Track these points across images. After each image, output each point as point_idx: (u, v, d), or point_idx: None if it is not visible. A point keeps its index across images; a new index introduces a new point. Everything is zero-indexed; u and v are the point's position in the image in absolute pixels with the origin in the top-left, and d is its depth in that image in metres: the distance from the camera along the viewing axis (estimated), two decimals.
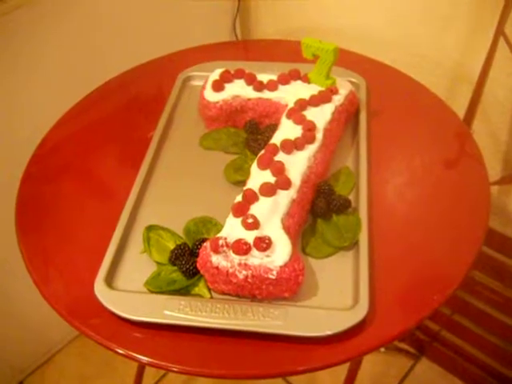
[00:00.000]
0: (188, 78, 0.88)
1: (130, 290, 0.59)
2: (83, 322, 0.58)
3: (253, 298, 0.57)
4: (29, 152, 0.78)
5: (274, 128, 0.72)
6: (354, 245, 0.62)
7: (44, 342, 1.37)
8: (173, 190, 0.71)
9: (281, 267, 0.54)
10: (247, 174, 0.66)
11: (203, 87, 0.78)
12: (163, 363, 0.54)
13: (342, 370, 1.02)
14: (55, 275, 0.63)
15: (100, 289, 0.58)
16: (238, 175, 0.69)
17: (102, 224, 0.66)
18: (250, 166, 0.66)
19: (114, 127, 0.83)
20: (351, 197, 0.66)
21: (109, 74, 0.91)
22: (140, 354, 0.55)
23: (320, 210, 0.63)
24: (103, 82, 0.90)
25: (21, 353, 1.33)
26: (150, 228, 0.64)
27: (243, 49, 1.03)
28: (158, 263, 0.61)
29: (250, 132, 0.75)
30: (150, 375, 1.29)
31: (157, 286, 0.58)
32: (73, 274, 0.63)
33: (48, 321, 1.31)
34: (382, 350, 1.33)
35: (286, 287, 0.56)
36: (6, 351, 1.28)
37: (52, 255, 0.65)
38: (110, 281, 0.60)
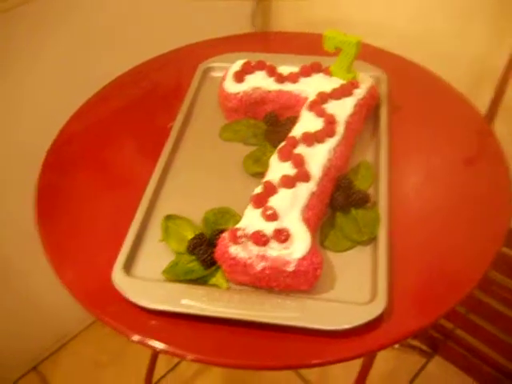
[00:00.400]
0: (208, 69, 0.88)
1: (147, 279, 0.59)
2: (100, 308, 0.59)
3: (270, 289, 0.57)
4: (48, 142, 0.79)
5: (293, 120, 0.71)
6: (373, 239, 0.61)
7: (58, 329, 1.38)
8: (191, 180, 0.71)
9: (299, 260, 0.54)
10: (266, 165, 0.65)
11: (223, 78, 0.78)
12: (178, 351, 0.55)
13: (355, 365, 1.02)
14: (73, 262, 0.64)
15: (118, 276, 0.58)
16: (256, 167, 0.69)
17: (120, 213, 0.66)
18: (269, 157, 0.66)
19: (133, 118, 0.83)
20: (370, 191, 0.66)
21: (127, 65, 0.91)
22: (155, 341, 0.55)
23: (339, 203, 0.63)
24: (121, 72, 0.90)
25: (35, 339, 1.34)
26: (168, 217, 0.64)
27: (263, 41, 1.02)
28: (176, 252, 0.61)
29: (270, 124, 0.74)
30: (162, 365, 1.29)
31: (174, 275, 0.58)
32: (91, 261, 0.63)
33: (63, 308, 1.32)
34: (396, 346, 1.32)
35: (304, 280, 0.55)
36: (20, 337, 1.29)
37: (71, 243, 0.66)
38: (127, 269, 0.60)
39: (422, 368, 1.30)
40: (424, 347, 1.32)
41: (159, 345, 0.55)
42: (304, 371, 1.31)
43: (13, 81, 0.97)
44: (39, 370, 1.36)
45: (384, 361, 1.31)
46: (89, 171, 0.75)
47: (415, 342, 1.33)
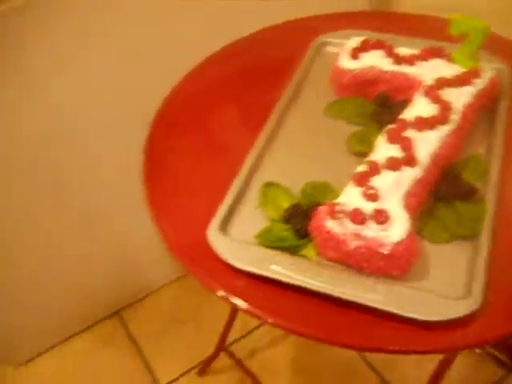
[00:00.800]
0: (323, 44, 0.87)
1: (240, 240, 0.60)
2: (192, 262, 0.61)
3: (360, 269, 0.57)
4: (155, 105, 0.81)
5: (405, 104, 0.69)
6: (474, 235, 0.59)
7: (143, 280, 1.45)
8: (293, 152, 0.71)
9: (395, 244, 0.53)
10: (371, 145, 0.64)
11: (339, 54, 0.77)
12: (260, 312, 0.56)
13: (429, 363, 1.00)
14: (172, 217, 0.66)
15: (213, 234, 0.60)
16: (361, 146, 0.68)
17: (220, 176, 0.68)
18: (375, 138, 0.65)
19: (242, 85, 0.84)
20: (478, 185, 0.63)
21: (239, 33, 0.92)
22: (240, 300, 0.56)
23: (444, 193, 0.61)
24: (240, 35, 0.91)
25: (121, 285, 1.41)
26: (268, 185, 0.65)
27: (381, 20, 0.99)
28: (271, 220, 0.62)
29: (381, 104, 0.73)
30: (237, 330, 1.32)
31: (267, 241, 0.59)
32: (189, 218, 0.65)
33: (151, 260, 1.38)
34: (478, 350, 1.27)
35: (397, 265, 0.54)
36: (108, 280, 1.36)
37: (172, 199, 0.68)
38: (222, 228, 0.61)
39: (501, 380, 1.24)
40: (504, 358, 1.26)
41: (243, 304, 0.56)
42: (374, 361, 1.30)
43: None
44: (121, 316, 1.43)
45: (459, 365, 1.26)
46: (193, 134, 0.77)
47: (495, 351, 1.28)
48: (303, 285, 0.55)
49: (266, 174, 0.68)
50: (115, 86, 1.06)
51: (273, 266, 0.57)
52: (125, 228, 1.29)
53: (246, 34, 0.92)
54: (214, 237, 0.60)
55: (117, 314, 1.44)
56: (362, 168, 0.60)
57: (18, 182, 1.06)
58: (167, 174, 0.72)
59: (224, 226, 0.62)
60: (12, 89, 0.95)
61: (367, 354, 1.31)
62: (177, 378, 1.31)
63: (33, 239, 1.16)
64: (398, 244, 0.53)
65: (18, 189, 1.07)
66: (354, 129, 0.73)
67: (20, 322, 1.28)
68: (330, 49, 0.86)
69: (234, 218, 0.63)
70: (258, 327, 1.37)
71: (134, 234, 1.30)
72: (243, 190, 0.66)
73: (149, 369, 1.33)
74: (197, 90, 0.84)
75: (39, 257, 1.20)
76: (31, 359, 1.36)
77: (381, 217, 0.54)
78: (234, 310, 1.16)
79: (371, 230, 0.54)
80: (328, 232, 0.55)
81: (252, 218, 0.63)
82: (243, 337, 1.35)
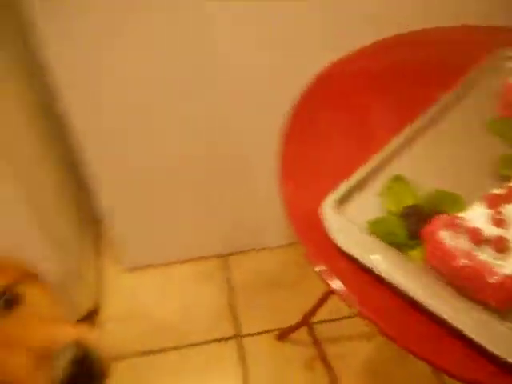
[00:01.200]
0: (502, 58, 0.82)
1: (351, 221, 0.61)
2: (302, 230, 0.63)
3: (458, 288, 0.55)
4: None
5: None
6: None
7: (259, 235, 1.49)
8: (435, 155, 0.70)
9: (506, 276, 0.51)
10: None
11: None
12: (350, 297, 0.56)
13: None
14: (297, 183, 0.68)
15: (327, 209, 0.61)
16: (508, 170, 0.65)
17: (354, 156, 0.68)
18: None
19: (403, 76, 0.83)
20: None
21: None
22: (334, 279, 0.57)
23: None
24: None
25: (239, 232, 1.47)
26: (397, 178, 0.65)
27: None
28: (388, 211, 0.62)
29: None
30: (327, 311, 1.33)
31: (377, 230, 0.59)
32: (312, 187, 0.67)
33: (272, 219, 1.41)
34: None
35: (498, 297, 0.52)
36: (229, 224, 1.43)
37: (301, 165, 0.70)
38: (338, 206, 0.62)
39: None
40: None
41: (335, 284, 0.57)
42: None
43: None
44: (227, 260, 1.50)
45: None
46: (340, 111, 0.78)
47: None
48: (399, 286, 0.55)
49: (398, 167, 0.67)
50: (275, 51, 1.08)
51: (375, 257, 0.57)
52: (259, 182, 1.33)
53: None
54: (327, 212, 0.61)
55: (225, 257, 1.51)
56: (498, 191, 0.57)
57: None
58: (304, 142, 0.74)
59: (340, 205, 0.63)
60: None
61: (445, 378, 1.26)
62: (257, 334, 1.35)
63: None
64: (508, 277, 0.51)
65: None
66: (508, 151, 0.69)
67: (141, 231, 1.39)
68: (507, 64, 0.81)
69: (353, 200, 0.64)
70: (348, 317, 1.36)
71: (265, 191, 1.34)
72: (370, 176, 0.66)
73: (234, 316, 1.38)
74: (353, 73, 0.84)
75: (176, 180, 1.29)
76: (138, 268, 1.47)
77: (501, 244, 0.52)
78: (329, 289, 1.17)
79: (485, 254, 0.52)
80: (439, 241, 0.54)
81: (369, 205, 0.63)
82: (331, 320, 1.36)
